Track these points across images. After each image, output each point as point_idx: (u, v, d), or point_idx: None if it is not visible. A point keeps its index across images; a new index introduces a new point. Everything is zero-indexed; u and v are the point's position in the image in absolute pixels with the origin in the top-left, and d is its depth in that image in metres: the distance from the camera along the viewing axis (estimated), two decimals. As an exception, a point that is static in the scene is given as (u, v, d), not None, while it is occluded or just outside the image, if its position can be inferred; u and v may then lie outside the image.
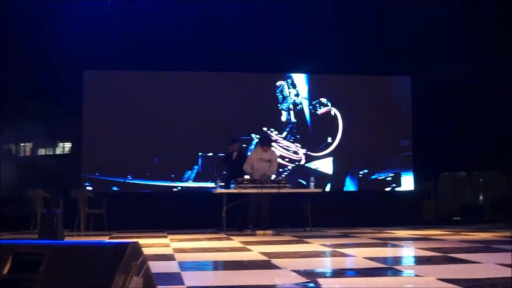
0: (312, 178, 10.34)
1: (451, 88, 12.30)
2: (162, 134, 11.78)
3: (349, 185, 12.27)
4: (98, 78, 11.89)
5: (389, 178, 12.36)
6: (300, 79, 12.41)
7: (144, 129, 11.71)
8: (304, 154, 12.12)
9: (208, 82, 12.16)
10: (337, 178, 12.21)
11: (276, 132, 12.08)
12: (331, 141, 12.18)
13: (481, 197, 12.17)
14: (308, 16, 11.90)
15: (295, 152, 12.07)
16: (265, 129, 11.98)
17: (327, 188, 12.03)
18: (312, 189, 10.21)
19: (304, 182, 11.77)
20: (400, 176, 12.38)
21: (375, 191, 12.24)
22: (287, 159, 12.05)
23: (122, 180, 11.60)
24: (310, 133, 12.24)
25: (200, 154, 11.84)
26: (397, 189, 12.39)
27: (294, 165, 12.09)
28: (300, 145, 12.14)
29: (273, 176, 10.26)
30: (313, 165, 12.13)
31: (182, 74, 12.12)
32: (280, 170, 11.62)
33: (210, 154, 11.81)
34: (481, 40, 11.94)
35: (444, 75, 11.98)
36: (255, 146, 10.69)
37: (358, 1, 11.96)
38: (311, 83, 12.40)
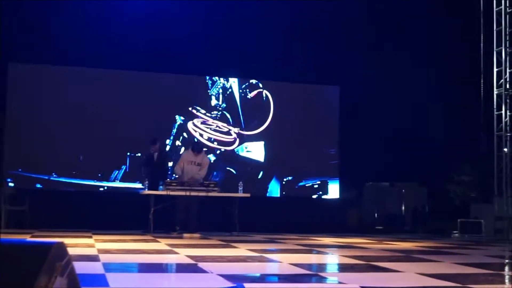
0: (240, 183, 10.38)
1: (378, 99, 12.62)
2: (89, 132, 11.57)
3: (276, 191, 12.39)
4: (23, 71, 11.54)
5: (316, 186, 12.55)
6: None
7: (70, 126, 11.47)
8: (236, 133, 12.15)
9: (140, 81, 12.03)
10: (264, 182, 12.31)
11: (204, 111, 12.06)
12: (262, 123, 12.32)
13: (402, 207, 12.54)
14: (240, 21, 11.97)
15: (228, 133, 12.10)
16: (193, 110, 11.93)
17: (259, 176, 12.09)
18: (240, 193, 10.24)
19: (233, 171, 11.80)
20: (327, 184, 12.60)
21: (302, 197, 12.40)
22: (217, 142, 12.06)
23: (47, 178, 11.31)
24: (241, 115, 12.28)
25: (128, 154, 11.68)
26: (324, 196, 12.59)
27: (226, 148, 12.09)
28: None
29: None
30: (245, 147, 12.15)
31: (112, 72, 11.96)
32: (211, 155, 11.63)
33: (139, 154, 11.67)
34: (410, 51, 12.34)
35: (372, 85, 12.29)
36: (187, 149, 10.65)
37: (287, 7, 12.11)
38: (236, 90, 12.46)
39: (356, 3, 12.39)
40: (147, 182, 10.05)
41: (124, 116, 11.73)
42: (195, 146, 10.62)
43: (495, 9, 11.74)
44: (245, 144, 12.30)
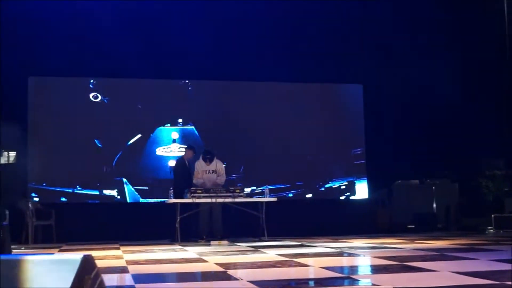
0: (266, 188, 10.30)
1: (403, 96, 12.46)
2: (111, 142, 11.57)
3: (304, 193, 12.28)
4: (43, 84, 11.60)
5: (343, 187, 12.42)
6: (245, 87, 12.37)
7: (92, 137, 11.48)
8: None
9: (168, 90, 12.02)
10: (292, 186, 12.21)
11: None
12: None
13: (434, 205, 12.33)
14: (256, 21, 11.90)
15: None
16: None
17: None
18: (267, 198, 10.16)
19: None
20: (354, 185, 12.46)
21: (329, 199, 12.27)
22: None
23: (71, 191, 11.33)
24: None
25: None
26: (352, 197, 12.45)
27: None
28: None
29: None
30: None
31: (130, 81, 11.96)
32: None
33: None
34: (432, 47, 12.16)
35: (396, 83, 12.14)
36: (200, 158, 10.55)
37: (307, 7, 12.02)
38: (257, 91, 12.36)
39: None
40: (172, 190, 10.00)
41: (147, 125, 11.73)
42: (206, 156, 10.44)
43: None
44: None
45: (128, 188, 11.51)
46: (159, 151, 11.78)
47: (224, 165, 10.57)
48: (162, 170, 11.73)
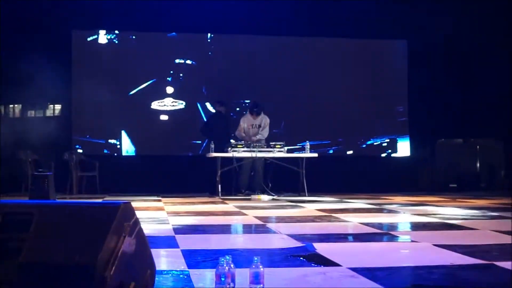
0: (307, 143, 10.26)
1: (448, 52, 12.15)
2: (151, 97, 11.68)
3: (345, 150, 12.21)
4: (87, 38, 11.67)
5: (385, 144, 12.31)
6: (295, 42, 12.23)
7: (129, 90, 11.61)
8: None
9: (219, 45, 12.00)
10: (333, 142, 12.15)
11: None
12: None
13: (477, 164, 12.10)
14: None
15: None
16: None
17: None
18: (307, 153, 10.14)
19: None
20: (396, 142, 12.33)
21: (370, 156, 12.18)
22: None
23: (114, 143, 11.51)
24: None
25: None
26: (393, 155, 12.34)
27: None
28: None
29: None
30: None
31: (172, 36, 11.94)
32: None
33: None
34: (479, 4, 11.76)
35: (441, 39, 11.83)
36: (247, 112, 10.54)
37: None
38: (299, 47, 12.23)
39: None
40: (212, 144, 10.06)
41: (187, 79, 11.77)
42: (254, 108, 10.39)
43: None
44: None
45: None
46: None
47: (269, 121, 10.52)
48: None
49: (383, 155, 12.33)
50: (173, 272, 3.18)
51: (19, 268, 2.13)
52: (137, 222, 2.40)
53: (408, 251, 4.10)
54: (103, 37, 11.73)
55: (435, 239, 4.38)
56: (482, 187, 11.82)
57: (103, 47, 11.72)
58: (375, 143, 12.29)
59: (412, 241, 4.48)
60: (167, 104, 11.77)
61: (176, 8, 11.52)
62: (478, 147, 12.07)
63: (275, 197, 9.57)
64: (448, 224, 5.50)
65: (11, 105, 11.73)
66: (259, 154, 9.82)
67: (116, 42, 11.79)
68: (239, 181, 10.20)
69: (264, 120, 10.36)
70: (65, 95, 11.37)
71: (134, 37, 11.83)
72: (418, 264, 3.48)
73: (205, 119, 11.42)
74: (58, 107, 11.86)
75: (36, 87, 10.58)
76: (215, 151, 9.92)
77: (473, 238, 4.57)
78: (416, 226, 5.59)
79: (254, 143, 10.00)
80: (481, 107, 11.95)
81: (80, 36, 11.61)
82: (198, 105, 11.84)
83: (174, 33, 11.93)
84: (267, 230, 5.25)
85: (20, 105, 11.74)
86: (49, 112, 11.84)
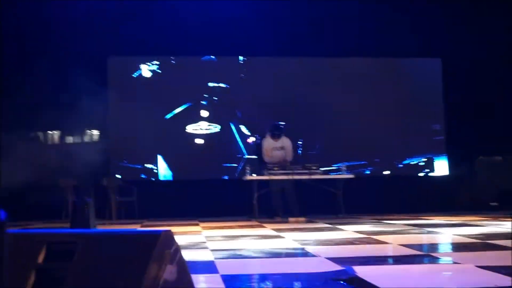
0: (343, 164, 10.21)
1: (483, 69, 12.01)
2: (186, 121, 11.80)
3: (381, 170, 12.11)
4: (122, 64, 11.87)
5: (422, 163, 12.17)
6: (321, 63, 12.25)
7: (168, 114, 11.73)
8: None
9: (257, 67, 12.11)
10: (369, 163, 12.07)
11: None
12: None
13: (518, 181, 11.86)
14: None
15: None
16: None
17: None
18: (344, 175, 10.08)
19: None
20: (433, 161, 12.18)
21: (407, 176, 12.05)
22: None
23: (151, 168, 11.62)
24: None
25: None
26: (431, 174, 12.19)
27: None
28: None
29: None
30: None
31: (205, 60, 12.06)
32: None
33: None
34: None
35: (476, 55, 11.71)
36: (266, 135, 10.50)
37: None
38: (332, 67, 12.23)
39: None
40: (249, 167, 10.07)
41: (223, 102, 11.86)
42: (275, 131, 10.33)
43: None
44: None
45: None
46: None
47: (291, 143, 10.49)
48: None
49: (421, 174, 12.18)
50: (214, 298, 3.18)
51: (65, 298, 2.16)
52: (177, 249, 2.42)
53: (451, 273, 4.03)
54: (145, 70, 11.88)
55: (478, 260, 4.30)
56: (524, 205, 11.57)
57: (138, 73, 11.89)
58: (411, 163, 12.16)
59: (454, 262, 4.40)
60: (202, 128, 11.86)
61: (208, 32, 11.66)
62: (518, 163, 11.84)
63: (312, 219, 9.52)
64: (490, 244, 5.40)
65: (50, 132, 11.95)
66: (296, 177, 9.79)
67: (155, 69, 11.94)
68: (273, 204, 10.15)
69: (285, 141, 10.31)
70: (102, 121, 11.54)
71: (173, 62, 11.96)
72: (461, 286, 3.42)
73: (240, 143, 11.48)
74: (96, 132, 12.05)
75: (74, 113, 10.78)
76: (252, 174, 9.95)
77: (518, 259, 4.47)
78: (457, 247, 5.50)
79: (289, 165, 9.97)
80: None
81: (115, 61, 11.81)
82: (233, 127, 11.89)
83: (207, 56, 12.05)
84: (306, 254, 5.22)
85: (59, 132, 11.96)
86: (87, 138, 12.03)
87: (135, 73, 11.84)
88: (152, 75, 11.90)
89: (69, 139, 12.05)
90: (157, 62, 11.93)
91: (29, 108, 10.71)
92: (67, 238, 2.42)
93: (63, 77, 10.94)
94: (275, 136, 10.24)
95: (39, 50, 10.96)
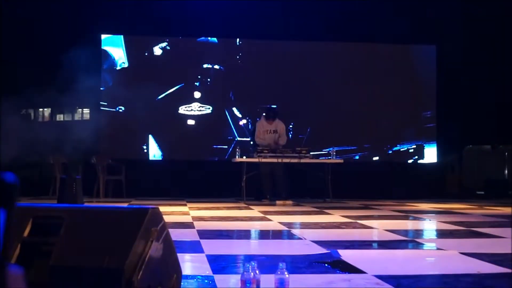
0: (333, 149, 10.24)
1: (477, 57, 12.02)
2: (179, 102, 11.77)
3: (371, 156, 12.15)
4: (115, 43, 11.80)
5: (412, 150, 12.22)
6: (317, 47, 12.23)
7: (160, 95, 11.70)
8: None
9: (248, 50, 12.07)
10: (359, 148, 12.11)
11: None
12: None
13: (506, 171, 11.95)
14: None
15: None
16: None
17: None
18: (333, 159, 10.11)
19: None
20: (423, 148, 12.23)
21: (397, 162, 12.10)
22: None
23: (141, 147, 11.61)
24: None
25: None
26: (420, 161, 12.25)
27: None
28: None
29: None
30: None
31: (200, 41, 12.01)
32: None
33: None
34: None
35: (470, 44, 11.72)
36: (261, 118, 10.48)
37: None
38: (326, 51, 12.22)
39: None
40: (239, 149, 10.08)
41: (213, 83, 11.84)
42: (269, 113, 10.31)
43: None
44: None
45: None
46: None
47: (285, 126, 10.48)
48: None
49: (410, 161, 12.25)
50: (199, 277, 3.21)
51: (50, 271, 2.18)
52: (164, 227, 2.44)
53: (434, 259, 4.08)
54: (131, 41, 11.83)
55: (462, 247, 4.35)
56: (510, 194, 11.66)
57: (130, 52, 11.83)
58: (401, 149, 12.20)
59: (438, 248, 4.44)
60: (194, 109, 11.84)
61: (204, 13, 11.59)
62: (506, 153, 11.92)
63: (299, 203, 9.56)
64: (475, 232, 5.45)
65: (40, 109, 11.90)
66: (285, 160, 9.81)
67: (145, 46, 11.89)
68: (262, 187, 10.17)
69: (279, 125, 10.31)
70: (93, 99, 11.48)
71: (168, 43, 11.91)
72: (444, 272, 3.46)
73: (232, 125, 11.48)
74: (86, 111, 12.01)
75: (66, 91, 10.73)
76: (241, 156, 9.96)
77: (501, 246, 4.52)
78: (442, 234, 5.56)
79: (279, 148, 9.99)
80: (509, 113, 11.80)
81: (111, 40, 11.74)
82: (225, 110, 11.88)
83: (202, 38, 11.99)
84: (292, 236, 5.26)
85: (49, 109, 11.91)
86: (77, 116, 11.99)
87: (130, 53, 11.77)
88: (146, 55, 11.84)
89: (59, 117, 12.01)
90: (153, 43, 11.87)
91: (21, 85, 10.65)
92: (53, 212, 2.43)
93: (56, 54, 10.84)
94: (269, 117, 10.23)
95: (32, 27, 10.86)
